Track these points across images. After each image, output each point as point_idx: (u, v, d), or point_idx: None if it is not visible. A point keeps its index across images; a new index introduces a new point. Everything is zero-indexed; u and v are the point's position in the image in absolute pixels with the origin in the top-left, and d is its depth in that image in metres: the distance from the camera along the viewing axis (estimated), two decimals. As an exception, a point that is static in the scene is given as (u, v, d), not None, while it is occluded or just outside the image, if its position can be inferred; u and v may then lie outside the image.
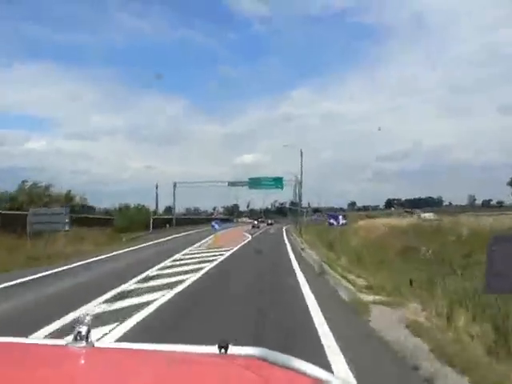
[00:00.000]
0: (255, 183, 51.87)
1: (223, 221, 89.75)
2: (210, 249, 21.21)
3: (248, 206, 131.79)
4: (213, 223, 44.22)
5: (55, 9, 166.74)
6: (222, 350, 1.24)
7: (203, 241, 27.44)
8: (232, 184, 54.27)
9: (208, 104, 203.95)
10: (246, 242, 28.23)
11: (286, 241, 30.19)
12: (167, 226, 46.05)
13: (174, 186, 54.31)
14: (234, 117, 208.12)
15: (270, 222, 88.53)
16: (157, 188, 55.43)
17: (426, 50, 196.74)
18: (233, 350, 1.25)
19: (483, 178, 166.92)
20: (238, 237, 33.02)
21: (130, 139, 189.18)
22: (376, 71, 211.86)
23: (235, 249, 21.28)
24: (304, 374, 1.11)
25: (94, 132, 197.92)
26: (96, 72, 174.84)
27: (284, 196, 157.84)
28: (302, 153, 44.37)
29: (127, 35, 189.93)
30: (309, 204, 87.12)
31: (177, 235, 34.91)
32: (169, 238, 31.71)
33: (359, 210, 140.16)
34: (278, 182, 50.99)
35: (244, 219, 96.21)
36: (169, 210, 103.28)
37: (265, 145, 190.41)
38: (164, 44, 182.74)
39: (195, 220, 74.94)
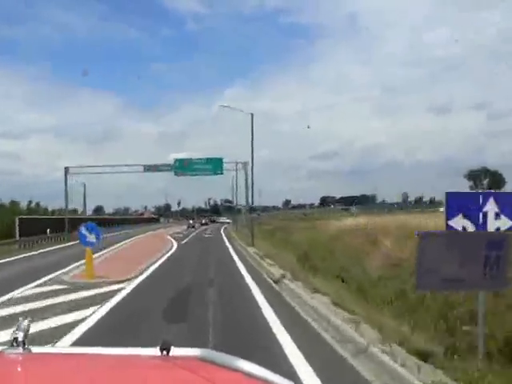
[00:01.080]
0: (184, 167, 35.79)
1: (150, 221, 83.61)
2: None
3: (179, 205, 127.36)
4: (82, 229, 13.04)
5: None
6: (164, 352, 1.21)
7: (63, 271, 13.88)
8: (149, 169, 37.14)
9: (141, 102, 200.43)
10: (161, 260, 17.84)
11: (235, 257, 19.18)
12: (48, 231, 30.55)
13: (66, 171, 36.07)
14: (168, 114, 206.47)
15: (204, 221, 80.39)
16: (84, 188, 52.69)
17: (359, 50, 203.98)
18: (175, 351, 1.21)
19: (416, 176, 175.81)
20: (155, 247, 23.61)
21: (61, 138, 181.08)
22: (309, 70, 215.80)
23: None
24: (249, 374, 1.09)
25: (22, 131, 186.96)
26: (24, 68, 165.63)
27: (219, 192, 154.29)
28: (252, 136, 27.94)
29: (58, 30, 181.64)
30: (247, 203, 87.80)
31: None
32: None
33: (294, 207, 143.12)
34: (216, 165, 35.70)
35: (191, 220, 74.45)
36: (99, 210, 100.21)
37: (198, 143, 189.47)
38: (96, 40, 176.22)
39: (111, 220, 60.29)
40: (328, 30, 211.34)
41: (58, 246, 26.77)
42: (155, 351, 1.22)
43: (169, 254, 20.56)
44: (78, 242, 14.82)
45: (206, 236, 40.64)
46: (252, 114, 28.09)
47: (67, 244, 27.98)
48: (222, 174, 36.60)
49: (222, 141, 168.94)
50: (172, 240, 31.47)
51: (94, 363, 1.22)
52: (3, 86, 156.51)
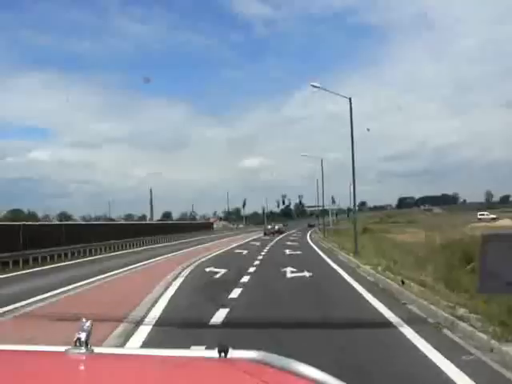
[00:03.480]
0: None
1: (204, 228, 61.89)
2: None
3: (244, 206, 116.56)
4: None
5: (56, 17, 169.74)
6: (222, 354, 1.21)
7: None
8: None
9: (212, 107, 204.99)
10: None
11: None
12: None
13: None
14: (237, 120, 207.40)
15: (276, 227, 58.40)
16: (151, 194, 53.74)
17: (430, 47, 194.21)
18: (232, 353, 1.22)
19: (495, 174, 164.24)
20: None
21: (133, 146, 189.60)
22: (379, 70, 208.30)
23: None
24: (304, 376, 1.10)
25: (97, 140, 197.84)
26: (97, 79, 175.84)
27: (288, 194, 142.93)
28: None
29: (128, 41, 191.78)
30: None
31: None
32: None
33: (371, 209, 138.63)
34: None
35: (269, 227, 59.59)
36: (167, 215, 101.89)
37: (268, 148, 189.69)
38: (164, 48, 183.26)
39: (173, 226, 51.62)
40: (397, 28, 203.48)
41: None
42: (213, 353, 1.23)
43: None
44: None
45: (290, 253, 22.99)
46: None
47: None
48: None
49: (291, 145, 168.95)
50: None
51: (154, 364, 1.25)
52: (78, 98, 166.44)
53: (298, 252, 24.00)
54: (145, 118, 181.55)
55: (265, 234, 49.63)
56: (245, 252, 25.02)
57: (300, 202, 74.84)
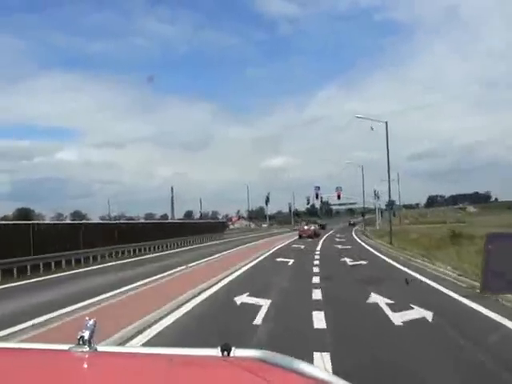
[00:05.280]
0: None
1: (213, 229, 46.70)
2: None
3: (267, 203, 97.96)
4: None
5: (82, 18, 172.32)
6: (225, 353, 1.22)
7: None
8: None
9: (236, 107, 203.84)
10: None
11: None
12: None
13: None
14: (262, 119, 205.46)
15: (305, 226, 45.06)
16: (172, 192, 52.50)
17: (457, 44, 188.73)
18: (236, 352, 1.22)
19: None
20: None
21: (158, 146, 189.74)
22: (405, 68, 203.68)
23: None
24: (307, 375, 1.11)
25: (121, 140, 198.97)
26: (122, 80, 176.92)
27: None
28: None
29: (154, 41, 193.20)
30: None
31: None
32: None
33: (399, 208, 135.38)
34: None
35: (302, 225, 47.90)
36: (189, 215, 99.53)
37: (293, 147, 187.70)
38: (189, 48, 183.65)
39: (189, 226, 44.54)
40: (424, 26, 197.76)
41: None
42: (216, 352, 1.23)
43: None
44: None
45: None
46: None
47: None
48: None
49: (314, 144, 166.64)
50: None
51: (157, 363, 1.24)
52: (104, 98, 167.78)
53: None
54: (169, 118, 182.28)
55: (300, 237, 38.61)
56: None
57: (323, 199, 64.77)
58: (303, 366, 1.14)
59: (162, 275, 14.27)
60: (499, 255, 4.51)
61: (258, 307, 8.68)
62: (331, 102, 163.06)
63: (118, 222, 41.20)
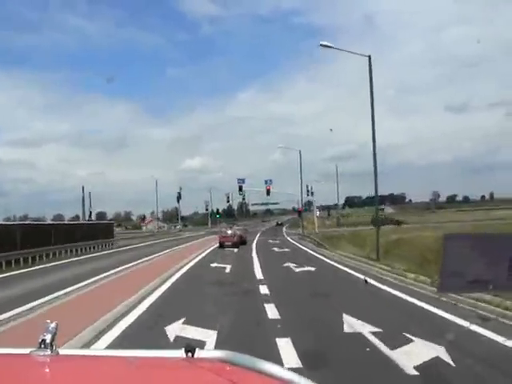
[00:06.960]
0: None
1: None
2: None
3: (178, 200, 77.46)
4: None
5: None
6: (189, 354, 1.21)
7: None
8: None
9: (155, 107, 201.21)
10: None
11: None
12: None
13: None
14: (182, 120, 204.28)
15: (229, 232, 33.53)
16: (83, 191, 51.63)
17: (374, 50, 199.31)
18: (199, 353, 1.21)
19: (439, 176, 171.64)
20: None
21: (76, 145, 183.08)
22: (322, 71, 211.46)
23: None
24: (272, 376, 1.10)
25: (37, 138, 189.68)
26: (39, 76, 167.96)
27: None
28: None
29: (73, 37, 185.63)
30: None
31: None
32: None
33: (318, 208, 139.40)
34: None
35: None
36: (101, 216, 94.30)
37: (212, 148, 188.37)
38: (107, 45, 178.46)
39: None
40: (343, 31, 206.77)
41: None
42: (180, 353, 1.22)
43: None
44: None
45: None
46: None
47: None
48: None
49: (233, 144, 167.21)
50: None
51: (120, 365, 1.23)
52: (19, 94, 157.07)
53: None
54: (89, 117, 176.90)
55: (221, 246, 30.45)
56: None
57: (245, 198, 57.75)
58: (267, 367, 1.13)
59: None
60: (456, 255, 4.71)
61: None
62: (253, 102, 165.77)
63: None
